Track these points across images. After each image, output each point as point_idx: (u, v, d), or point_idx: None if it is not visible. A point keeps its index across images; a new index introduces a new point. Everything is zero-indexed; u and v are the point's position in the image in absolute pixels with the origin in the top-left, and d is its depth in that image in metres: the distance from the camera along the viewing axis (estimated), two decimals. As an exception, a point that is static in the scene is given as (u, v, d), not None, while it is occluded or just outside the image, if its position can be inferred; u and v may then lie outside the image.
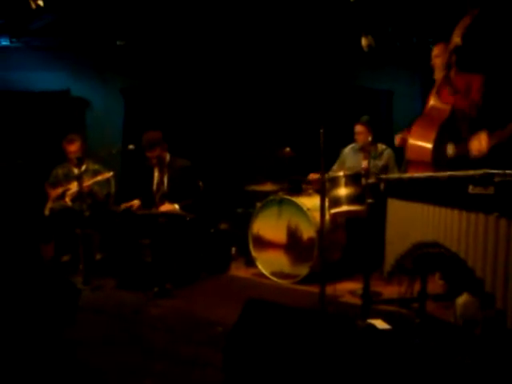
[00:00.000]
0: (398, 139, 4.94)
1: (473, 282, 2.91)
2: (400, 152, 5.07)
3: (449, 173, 3.12)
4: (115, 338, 3.95)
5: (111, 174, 6.17)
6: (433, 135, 4.25)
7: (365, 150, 5.82)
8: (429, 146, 4.23)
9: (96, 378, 3.26)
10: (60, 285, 4.16)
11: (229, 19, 7.04)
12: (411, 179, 3.75)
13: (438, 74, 4.66)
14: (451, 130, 4.38)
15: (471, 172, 2.86)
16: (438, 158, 4.22)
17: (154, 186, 5.98)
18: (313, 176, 6.09)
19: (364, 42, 4.75)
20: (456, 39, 4.41)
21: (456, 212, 2.98)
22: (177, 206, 5.70)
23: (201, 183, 6.24)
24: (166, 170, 5.93)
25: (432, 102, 4.57)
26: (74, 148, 6.25)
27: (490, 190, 2.64)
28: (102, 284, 5.48)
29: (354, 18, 6.47)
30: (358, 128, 5.97)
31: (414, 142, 4.37)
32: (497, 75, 5.32)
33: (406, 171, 4.53)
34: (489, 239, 2.68)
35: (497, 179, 2.60)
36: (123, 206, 5.83)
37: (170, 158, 5.97)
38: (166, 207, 5.72)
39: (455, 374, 2.82)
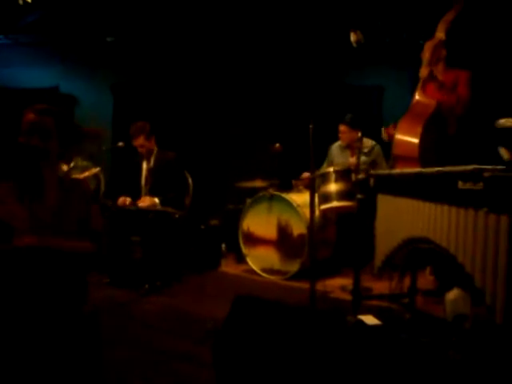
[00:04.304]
0: (385, 133, 4.92)
1: (463, 277, 2.92)
2: (388, 147, 5.08)
3: (438, 168, 3.12)
4: (106, 336, 3.93)
5: (98, 169, 6.12)
6: (419, 130, 4.26)
7: (352, 147, 5.84)
8: (415, 141, 4.24)
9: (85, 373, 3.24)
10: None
11: (218, 16, 7.02)
12: (401, 175, 3.76)
13: (423, 69, 4.66)
14: (437, 125, 4.39)
15: (460, 168, 2.86)
16: (424, 154, 4.23)
17: (143, 180, 5.93)
18: (306, 175, 6.09)
19: (353, 37, 4.73)
20: (439, 34, 4.44)
21: (446, 207, 2.98)
22: (157, 200, 5.61)
23: (190, 179, 6.21)
24: (153, 162, 5.90)
25: (417, 97, 4.57)
26: None
27: (480, 186, 2.65)
28: (91, 281, 5.44)
29: (344, 14, 6.47)
30: (341, 128, 5.99)
31: (400, 137, 4.38)
32: (484, 70, 5.33)
33: (393, 167, 4.53)
34: (478, 235, 2.69)
35: (486, 175, 2.60)
36: (121, 201, 5.74)
37: (157, 150, 5.95)
38: (146, 201, 5.64)
39: (445, 369, 2.82)
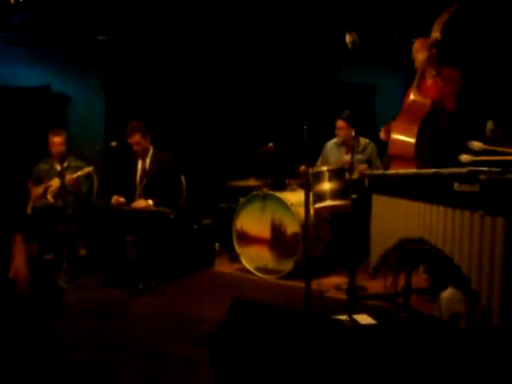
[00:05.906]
0: (382, 132, 4.91)
1: (459, 278, 2.93)
2: (382, 146, 5.08)
3: (434, 170, 3.13)
4: (100, 337, 3.93)
5: (91, 168, 6.05)
6: (415, 130, 4.26)
7: (347, 145, 5.84)
8: (411, 140, 4.24)
9: (81, 377, 3.23)
10: (42, 284, 4.13)
11: (211, 15, 7.01)
12: (396, 176, 3.76)
13: (419, 68, 4.67)
14: (432, 124, 4.40)
15: (456, 169, 2.87)
16: (420, 153, 4.23)
17: (137, 179, 5.92)
18: (303, 168, 6.09)
19: (348, 38, 4.74)
20: (435, 34, 4.44)
21: (441, 209, 2.99)
22: (150, 202, 5.62)
23: (183, 178, 6.21)
24: (149, 162, 5.89)
25: (412, 96, 4.57)
26: (59, 139, 6.13)
27: (476, 188, 2.65)
28: (86, 282, 5.44)
29: (336, 13, 6.47)
30: (339, 123, 6.00)
31: (396, 137, 4.38)
32: (476, 69, 5.35)
33: (388, 166, 4.54)
34: (474, 237, 2.69)
35: (482, 177, 2.60)
36: (114, 200, 5.74)
37: (153, 150, 5.93)
38: (140, 203, 5.66)
39: (439, 369, 2.83)
